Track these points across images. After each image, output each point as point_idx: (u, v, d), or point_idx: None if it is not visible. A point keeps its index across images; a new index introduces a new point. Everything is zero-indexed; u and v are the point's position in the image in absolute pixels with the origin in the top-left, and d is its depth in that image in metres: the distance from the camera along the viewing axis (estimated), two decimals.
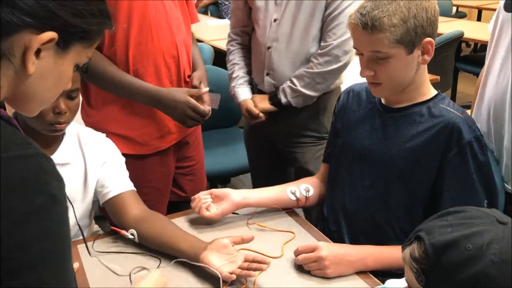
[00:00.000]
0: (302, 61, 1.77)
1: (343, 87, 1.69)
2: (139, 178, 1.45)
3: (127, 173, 1.41)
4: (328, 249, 1.20)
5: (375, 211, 1.31)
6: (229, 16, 4.84)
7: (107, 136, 1.44)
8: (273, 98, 1.82)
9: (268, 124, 1.86)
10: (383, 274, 1.21)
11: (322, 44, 1.73)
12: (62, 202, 0.65)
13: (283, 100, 1.79)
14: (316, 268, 1.19)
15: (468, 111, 1.28)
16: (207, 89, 1.63)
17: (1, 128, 0.63)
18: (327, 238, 1.35)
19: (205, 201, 1.39)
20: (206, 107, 1.58)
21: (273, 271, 1.22)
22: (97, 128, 1.49)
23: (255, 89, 1.93)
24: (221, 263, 1.16)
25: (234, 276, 1.12)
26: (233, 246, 1.20)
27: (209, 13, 5.28)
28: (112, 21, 0.77)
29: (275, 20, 1.76)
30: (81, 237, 1.31)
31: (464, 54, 4.79)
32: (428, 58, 1.22)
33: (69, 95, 1.25)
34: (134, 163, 1.51)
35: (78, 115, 1.35)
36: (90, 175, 1.36)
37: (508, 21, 1.26)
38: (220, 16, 4.98)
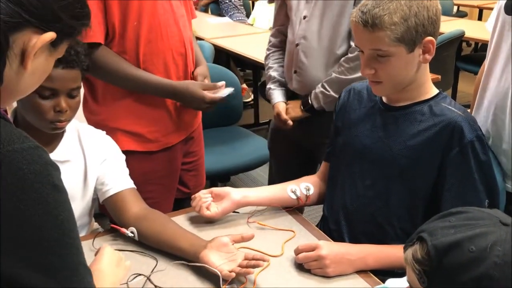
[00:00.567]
0: (330, 60, 1.76)
1: None
2: (146, 175, 1.45)
3: (127, 170, 1.40)
4: (328, 248, 1.20)
5: (376, 210, 1.31)
6: (229, 14, 4.85)
7: (115, 133, 1.44)
8: (306, 104, 1.82)
9: (293, 126, 1.86)
10: (384, 273, 1.21)
11: (352, 45, 1.71)
12: (63, 190, 0.68)
13: (316, 105, 1.79)
14: (316, 267, 1.19)
15: (468, 111, 1.27)
16: (223, 82, 1.65)
17: (0, 124, 0.65)
18: (328, 237, 1.35)
19: (206, 200, 1.39)
20: (221, 96, 1.62)
21: (273, 269, 1.21)
22: (103, 126, 1.49)
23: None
24: (221, 261, 1.15)
25: (233, 275, 1.12)
26: (233, 244, 1.20)
27: (209, 11, 5.28)
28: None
29: (304, 17, 1.76)
30: (81, 235, 1.31)
31: (464, 53, 4.79)
32: (429, 57, 1.21)
33: (70, 94, 1.25)
34: (142, 160, 1.51)
35: (79, 113, 1.35)
36: (90, 173, 1.35)
37: (508, 23, 1.25)
38: (220, 14, 4.99)
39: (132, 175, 1.37)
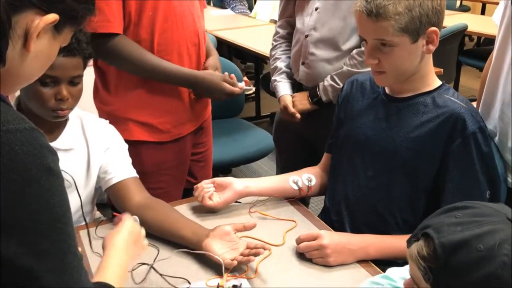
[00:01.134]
0: (339, 53, 1.74)
1: None
2: (157, 165, 1.45)
3: (130, 159, 1.41)
4: (330, 237, 1.20)
5: (377, 201, 1.31)
6: (231, 6, 4.83)
7: (126, 123, 1.44)
8: (313, 97, 1.80)
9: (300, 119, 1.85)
10: (384, 263, 1.21)
11: None
12: (58, 174, 0.67)
13: (324, 98, 1.77)
14: (317, 256, 1.19)
15: (473, 104, 1.26)
16: (243, 84, 1.67)
17: None
18: (329, 227, 1.35)
19: (208, 190, 1.39)
20: (241, 87, 1.64)
21: (275, 258, 1.22)
22: (114, 116, 1.50)
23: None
24: (223, 250, 1.16)
25: (235, 263, 1.13)
26: (235, 233, 1.21)
27: (211, 3, 5.27)
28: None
29: (316, 9, 1.75)
30: (83, 223, 1.32)
31: (467, 48, 4.77)
32: (432, 47, 1.21)
33: (71, 82, 1.25)
34: (153, 150, 1.51)
35: (87, 103, 1.35)
36: (93, 161, 1.36)
37: None
38: (222, 6, 4.97)
39: (143, 165, 1.37)
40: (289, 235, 1.31)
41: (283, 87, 1.90)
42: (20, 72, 0.71)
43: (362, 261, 1.21)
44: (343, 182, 1.38)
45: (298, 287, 1.13)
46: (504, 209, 0.81)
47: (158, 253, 1.23)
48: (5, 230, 0.62)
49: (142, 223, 1.27)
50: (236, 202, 1.43)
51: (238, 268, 1.16)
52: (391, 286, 1.00)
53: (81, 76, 1.27)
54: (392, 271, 1.03)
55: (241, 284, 1.10)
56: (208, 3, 5.28)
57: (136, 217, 1.27)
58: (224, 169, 2.96)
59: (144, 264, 1.18)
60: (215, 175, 2.62)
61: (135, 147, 1.51)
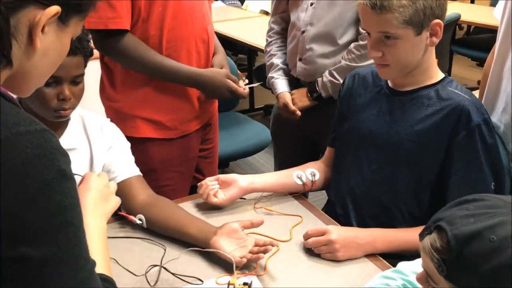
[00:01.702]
0: (336, 47, 1.74)
1: None
2: (164, 162, 1.44)
3: (133, 158, 1.39)
4: (338, 232, 1.21)
5: (382, 194, 1.31)
6: None
7: (133, 120, 1.43)
8: (313, 93, 1.80)
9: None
10: (391, 256, 1.22)
11: (363, 32, 1.68)
12: (71, 177, 0.66)
13: (324, 94, 1.77)
14: (326, 251, 1.20)
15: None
16: (247, 89, 1.66)
17: (6, 107, 0.63)
18: (335, 222, 1.35)
19: (213, 187, 1.38)
20: (244, 90, 1.63)
21: (283, 255, 1.22)
22: (121, 112, 1.49)
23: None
24: (232, 247, 1.16)
25: (245, 260, 1.13)
26: (242, 230, 1.20)
27: None
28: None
29: (311, 4, 1.74)
30: None
31: (457, 37, 4.80)
32: (436, 40, 1.21)
33: (73, 81, 1.23)
34: (160, 147, 1.51)
35: (89, 101, 1.33)
36: (96, 160, 1.34)
37: None
38: None
39: (150, 162, 1.36)
40: (295, 230, 1.31)
41: (280, 84, 1.89)
42: (33, 71, 0.69)
43: (370, 255, 1.21)
44: (347, 176, 1.38)
45: (308, 282, 1.14)
46: None
47: (165, 252, 1.22)
48: (16, 235, 0.61)
49: (147, 221, 1.27)
50: (241, 198, 1.43)
51: (247, 265, 1.16)
52: (403, 280, 1.00)
53: (82, 75, 1.26)
54: (403, 265, 1.04)
55: (251, 281, 1.10)
56: None
57: (142, 216, 1.27)
58: (222, 163, 2.95)
59: (155, 266, 1.17)
60: None
61: (142, 144, 1.50)
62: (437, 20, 1.18)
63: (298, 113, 1.82)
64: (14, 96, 0.70)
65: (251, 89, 4.21)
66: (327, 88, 1.75)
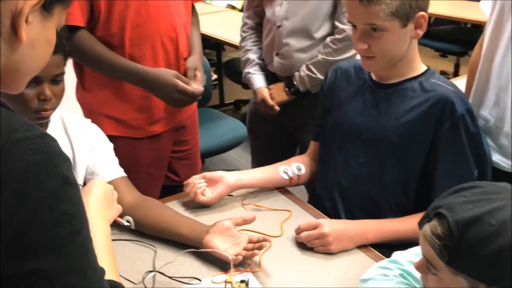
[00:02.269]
0: (312, 41, 1.74)
1: None
2: (131, 162, 1.41)
3: (116, 159, 1.36)
4: (329, 225, 1.21)
5: (370, 186, 1.33)
6: None
7: (101, 118, 1.39)
8: (290, 87, 1.79)
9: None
10: (381, 246, 1.24)
11: (339, 26, 1.69)
12: (74, 183, 0.63)
13: (302, 88, 1.76)
14: (319, 244, 1.20)
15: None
16: (200, 89, 1.56)
17: (1, 112, 0.60)
18: (324, 215, 1.36)
19: (200, 185, 1.37)
20: (195, 88, 1.53)
21: (276, 250, 1.22)
22: (91, 110, 1.47)
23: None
24: (225, 246, 1.15)
25: (240, 258, 1.12)
26: (235, 227, 1.19)
27: None
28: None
29: None
30: None
31: None
32: (421, 32, 1.23)
33: (53, 80, 1.19)
34: (126, 146, 1.47)
35: (68, 101, 1.29)
36: (79, 163, 1.30)
37: (508, 7, 1.25)
38: None
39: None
40: (286, 225, 1.31)
41: (257, 79, 1.88)
42: (21, 65, 0.66)
43: (361, 247, 1.23)
44: (334, 169, 1.39)
45: (303, 277, 1.14)
46: (508, 186, 0.86)
47: (156, 254, 1.20)
48: (20, 249, 0.58)
49: (136, 223, 1.24)
50: (228, 195, 1.42)
51: (242, 263, 1.15)
52: (400, 270, 1.02)
53: (63, 74, 1.21)
54: (398, 255, 1.05)
55: (248, 279, 1.09)
56: None
57: (129, 218, 1.24)
58: None
59: (151, 271, 1.14)
60: None
61: None
62: (422, 13, 1.20)
63: (277, 108, 1.82)
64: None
65: (220, 84, 4.20)
66: (304, 82, 1.76)
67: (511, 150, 1.30)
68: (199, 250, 1.15)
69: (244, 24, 1.97)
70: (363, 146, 1.33)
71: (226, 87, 4.05)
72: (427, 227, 0.86)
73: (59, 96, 1.21)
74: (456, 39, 4.06)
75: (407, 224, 1.23)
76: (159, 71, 1.52)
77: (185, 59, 1.63)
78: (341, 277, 1.13)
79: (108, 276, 0.73)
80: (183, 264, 1.16)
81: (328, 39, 1.72)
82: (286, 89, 1.81)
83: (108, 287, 0.67)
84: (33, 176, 0.58)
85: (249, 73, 1.90)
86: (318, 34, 1.74)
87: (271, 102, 1.81)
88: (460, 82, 1.36)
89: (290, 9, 1.73)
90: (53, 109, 1.21)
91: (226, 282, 1.08)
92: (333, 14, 1.72)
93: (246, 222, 1.21)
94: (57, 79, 1.19)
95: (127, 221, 1.24)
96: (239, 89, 3.57)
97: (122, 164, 1.36)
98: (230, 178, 1.38)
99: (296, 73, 1.77)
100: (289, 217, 1.35)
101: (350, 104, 1.37)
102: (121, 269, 1.13)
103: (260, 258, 1.17)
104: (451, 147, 1.23)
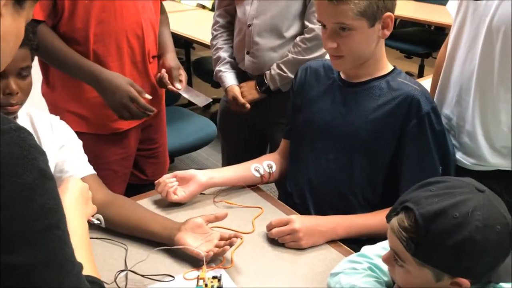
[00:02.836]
0: (283, 40, 1.75)
1: None
2: (95, 159, 1.40)
3: (86, 156, 1.34)
4: (300, 221, 1.23)
5: (340, 182, 1.36)
6: None
7: (64, 114, 1.38)
8: (261, 85, 1.80)
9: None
10: (351, 242, 1.27)
11: (309, 25, 1.71)
12: (51, 177, 0.63)
13: (273, 87, 1.78)
14: (290, 240, 1.22)
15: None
16: (149, 96, 1.54)
17: None
18: (294, 211, 1.38)
19: (172, 184, 1.37)
20: (147, 101, 1.52)
21: (248, 246, 1.23)
22: (55, 106, 1.46)
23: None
24: (197, 243, 1.15)
25: (211, 254, 1.12)
26: (207, 224, 1.20)
27: None
28: None
29: None
30: None
31: None
32: (387, 32, 1.27)
33: (20, 74, 1.16)
34: (91, 142, 1.46)
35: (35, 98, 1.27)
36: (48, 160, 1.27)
37: (472, 7, 1.29)
38: None
39: None
40: (257, 222, 1.33)
41: (229, 77, 1.89)
42: None
43: (331, 242, 1.25)
44: (305, 166, 1.42)
45: (274, 272, 1.16)
46: (472, 181, 0.90)
47: (127, 252, 1.19)
48: (3, 239, 0.57)
49: (107, 221, 1.22)
50: (200, 193, 1.42)
51: (214, 259, 1.16)
52: (369, 263, 1.04)
53: (29, 67, 1.18)
54: (366, 249, 1.08)
55: (220, 274, 1.10)
56: None
57: (100, 216, 1.22)
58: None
59: (122, 270, 1.13)
60: None
61: None
62: (389, 13, 1.23)
63: (248, 106, 1.83)
64: None
65: (189, 83, 4.17)
66: (275, 81, 1.78)
67: (471, 148, 1.34)
68: (172, 247, 1.15)
69: (215, 22, 1.98)
70: (333, 143, 1.36)
71: (195, 86, 4.03)
72: (394, 220, 0.89)
73: (25, 90, 1.18)
74: (421, 41, 4.17)
75: (375, 219, 1.26)
76: (114, 74, 1.50)
77: (154, 57, 1.62)
78: (311, 272, 1.16)
79: (87, 272, 0.73)
80: (155, 262, 1.16)
81: (298, 38, 1.75)
82: (257, 87, 1.83)
83: (86, 282, 0.66)
84: (9, 170, 0.57)
85: (220, 71, 1.91)
86: (288, 33, 1.76)
87: (242, 100, 1.82)
88: (425, 83, 1.40)
89: (260, 8, 1.75)
90: (20, 104, 1.19)
91: (198, 278, 1.08)
92: (303, 14, 1.74)
93: (218, 219, 1.22)
94: (23, 73, 1.17)
95: (97, 219, 1.22)
96: (209, 88, 3.56)
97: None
98: (202, 176, 1.38)
99: (267, 72, 1.79)
100: (260, 214, 1.36)
101: (320, 102, 1.40)
102: None
103: (232, 254, 1.18)
104: (417, 144, 1.27)
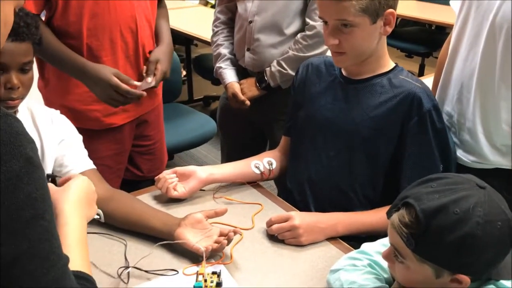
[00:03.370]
0: (284, 37, 1.75)
1: None
2: (89, 154, 1.40)
3: (85, 151, 1.34)
4: (300, 218, 1.23)
5: (340, 179, 1.35)
6: None
7: (58, 108, 1.38)
8: (261, 82, 1.80)
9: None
10: (350, 238, 1.27)
11: (310, 22, 1.70)
12: (39, 165, 0.61)
13: (273, 84, 1.77)
14: (290, 237, 1.22)
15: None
16: (138, 83, 1.56)
17: None
18: (294, 208, 1.38)
19: (172, 180, 1.36)
20: (132, 87, 1.52)
21: (247, 242, 1.23)
22: (50, 101, 1.46)
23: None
24: (197, 238, 1.15)
25: (210, 248, 1.12)
26: (206, 220, 1.20)
27: None
28: None
29: None
30: None
31: None
32: (389, 29, 1.26)
33: (21, 69, 1.16)
34: (84, 137, 1.45)
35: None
36: (48, 154, 1.27)
37: (475, 5, 1.29)
38: None
39: None
40: (257, 218, 1.32)
41: (229, 74, 1.89)
42: None
43: (331, 239, 1.25)
44: (305, 163, 1.41)
45: (274, 268, 1.15)
46: (472, 178, 0.90)
47: (126, 247, 1.19)
48: None
49: (107, 216, 1.22)
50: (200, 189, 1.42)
51: (213, 255, 1.16)
52: (369, 260, 1.04)
53: (31, 62, 1.18)
54: (366, 246, 1.08)
55: (220, 270, 1.10)
56: None
57: (99, 211, 1.22)
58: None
59: (125, 267, 1.12)
60: None
61: None
62: (391, 10, 1.23)
63: (248, 102, 1.83)
64: None
65: (189, 80, 4.18)
66: (275, 77, 1.77)
67: (471, 145, 1.34)
68: (172, 242, 1.15)
69: (216, 19, 1.97)
70: (334, 140, 1.36)
71: (195, 83, 4.03)
72: (395, 216, 0.89)
73: (27, 85, 1.18)
74: (421, 40, 4.17)
75: (375, 216, 1.26)
76: (97, 66, 1.51)
77: (150, 52, 1.62)
78: (311, 268, 1.15)
79: (78, 268, 0.72)
80: (154, 257, 1.16)
81: (299, 35, 1.74)
82: (257, 84, 1.82)
83: (71, 276, 0.65)
84: None
85: (220, 67, 1.91)
86: (289, 30, 1.76)
87: (242, 97, 1.82)
88: (425, 82, 1.40)
89: (261, 5, 1.75)
90: (21, 98, 1.18)
91: (198, 273, 1.08)
92: (304, 11, 1.74)
93: (217, 214, 1.22)
94: (25, 68, 1.16)
95: (97, 214, 1.22)
96: (209, 85, 3.56)
97: None
98: (202, 172, 1.38)
99: (267, 69, 1.78)
100: (260, 210, 1.36)
101: (321, 99, 1.39)
102: (93, 262, 1.13)
103: (232, 250, 1.18)
104: (418, 141, 1.27)
